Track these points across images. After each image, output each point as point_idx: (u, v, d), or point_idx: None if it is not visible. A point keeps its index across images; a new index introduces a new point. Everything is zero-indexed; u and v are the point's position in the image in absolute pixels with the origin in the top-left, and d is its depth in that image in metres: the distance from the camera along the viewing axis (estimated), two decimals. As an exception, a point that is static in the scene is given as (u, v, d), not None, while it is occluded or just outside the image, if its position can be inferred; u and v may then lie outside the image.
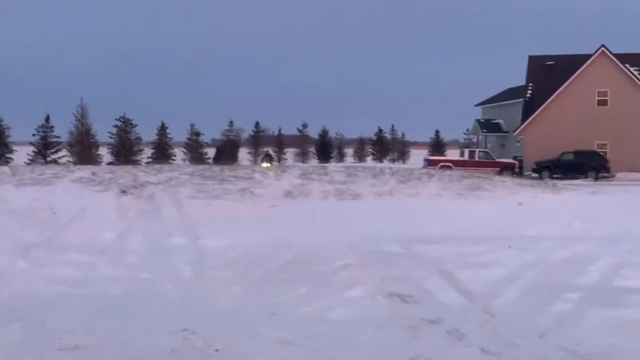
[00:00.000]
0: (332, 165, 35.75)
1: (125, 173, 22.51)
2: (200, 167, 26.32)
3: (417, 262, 13.33)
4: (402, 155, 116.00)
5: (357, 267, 12.69)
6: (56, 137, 79.30)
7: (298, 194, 20.57)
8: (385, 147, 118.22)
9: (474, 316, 9.71)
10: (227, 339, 8.27)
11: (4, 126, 77.18)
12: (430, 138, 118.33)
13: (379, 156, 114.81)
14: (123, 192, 19.89)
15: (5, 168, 23.08)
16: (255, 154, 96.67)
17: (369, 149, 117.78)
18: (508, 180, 25.14)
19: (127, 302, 10.56)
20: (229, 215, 18.22)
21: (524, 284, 11.60)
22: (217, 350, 7.84)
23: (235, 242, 15.04)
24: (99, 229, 16.05)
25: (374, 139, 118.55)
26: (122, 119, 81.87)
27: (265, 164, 39.14)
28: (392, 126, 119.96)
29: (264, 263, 13.14)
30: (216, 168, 24.83)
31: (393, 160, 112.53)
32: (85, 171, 22.77)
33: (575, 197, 22.42)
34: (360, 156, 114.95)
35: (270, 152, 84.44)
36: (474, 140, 79.45)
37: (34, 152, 76.86)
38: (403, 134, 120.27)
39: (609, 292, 11.01)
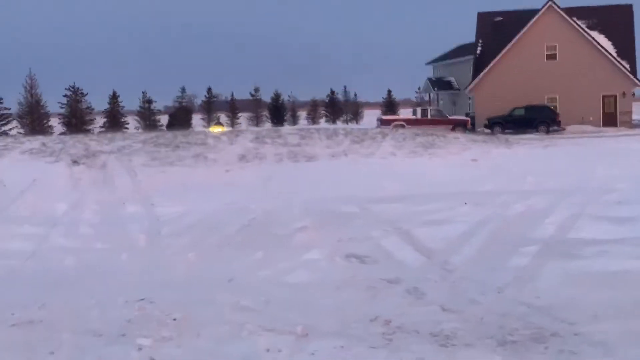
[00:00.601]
0: (286, 128, 35.53)
1: (76, 143, 22.12)
2: (153, 134, 25.97)
3: (374, 222, 13.30)
4: (355, 116, 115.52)
5: (313, 230, 12.65)
6: (6, 109, 77.58)
7: (252, 157, 20.43)
8: (338, 108, 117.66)
9: (433, 274, 9.69)
10: (184, 307, 8.13)
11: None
12: (383, 98, 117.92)
13: (332, 118, 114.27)
14: (75, 162, 19.58)
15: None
16: (208, 120, 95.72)
17: (322, 111, 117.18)
18: (461, 137, 25.21)
19: (81, 273, 10.37)
20: (184, 182, 18.07)
21: (481, 240, 11.63)
22: (174, 319, 7.69)
23: (190, 209, 14.89)
24: (51, 200, 15.79)
25: (327, 101, 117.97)
26: (72, 88, 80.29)
27: (214, 128, 38.80)
28: (345, 87, 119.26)
29: (220, 229, 13.02)
30: (169, 135, 24.55)
31: (346, 122, 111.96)
32: (35, 142, 22.33)
33: (527, 151, 22.58)
34: (313, 118, 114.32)
35: (221, 119, 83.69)
36: (426, 98, 79.57)
37: (-18, 124, 75.28)
38: (355, 95, 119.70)
39: (565, 244, 11.08)
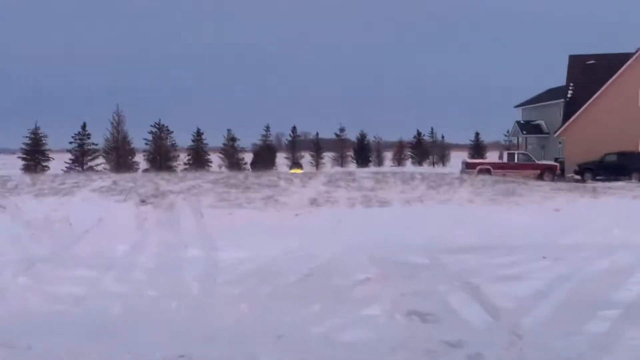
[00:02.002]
0: (361, 171, 34.85)
1: (146, 182, 21.93)
2: (224, 174, 25.69)
3: (442, 275, 12.48)
4: (442, 158, 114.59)
5: (376, 281, 11.91)
6: (93, 144, 79.60)
7: (324, 201, 19.80)
8: (424, 150, 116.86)
9: (500, 338, 8.81)
10: (223, 366, 7.51)
11: (40, 134, 77.67)
12: (470, 140, 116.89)
13: (418, 159, 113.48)
14: (142, 201, 19.31)
15: (25, 177, 22.63)
16: (292, 159, 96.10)
17: (408, 153, 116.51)
18: (544, 185, 24.06)
19: (125, 322, 9.84)
20: (251, 225, 17.54)
21: (557, 300, 10.68)
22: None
23: (252, 254, 14.33)
24: (113, 241, 15.47)
25: (413, 142, 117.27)
26: (157, 125, 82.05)
27: (294, 170, 38.53)
28: (432, 129, 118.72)
29: (279, 277, 12.38)
30: (240, 175, 24.18)
31: (432, 164, 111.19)
32: (106, 180, 22.24)
33: (615, 201, 21.30)
34: (399, 160, 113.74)
35: (305, 159, 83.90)
36: (515, 142, 77.96)
37: (71, 159, 77.12)
38: (443, 137, 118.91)
39: (649, 308, 10.06)
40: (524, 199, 20.49)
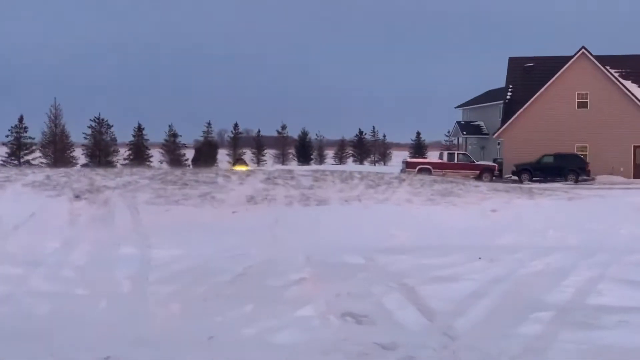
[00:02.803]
0: (299, 169, 34.69)
1: (81, 177, 21.41)
2: (161, 170, 25.29)
3: (378, 275, 12.39)
4: (383, 157, 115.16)
5: (311, 282, 11.78)
6: (30, 138, 78.02)
7: (261, 199, 19.61)
8: (366, 149, 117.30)
9: (433, 340, 8.73)
10: (149, 369, 7.28)
11: (-27, 127, 76.15)
12: (412, 140, 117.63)
13: (360, 158, 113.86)
14: (77, 197, 18.84)
15: (-47, 171, 21.94)
16: (234, 156, 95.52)
17: (350, 151, 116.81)
18: (482, 185, 24.18)
19: (51, 323, 9.54)
20: (187, 222, 17.29)
21: (492, 301, 10.66)
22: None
23: (187, 252, 14.12)
24: (43, 238, 15.08)
25: (355, 141, 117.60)
26: (96, 120, 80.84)
27: (238, 167, 38.19)
28: (373, 127, 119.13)
29: (212, 276, 12.16)
30: (178, 172, 23.78)
31: (374, 162, 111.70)
32: (39, 175, 21.63)
33: (551, 203, 21.50)
34: (340, 158, 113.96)
35: (246, 156, 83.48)
36: (455, 142, 78.68)
37: (7, 153, 75.56)
38: (384, 136, 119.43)
39: (582, 311, 10.06)
40: (461, 200, 20.55)
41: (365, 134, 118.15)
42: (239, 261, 13.31)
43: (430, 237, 16.10)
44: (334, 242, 15.22)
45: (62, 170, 23.97)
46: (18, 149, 76.21)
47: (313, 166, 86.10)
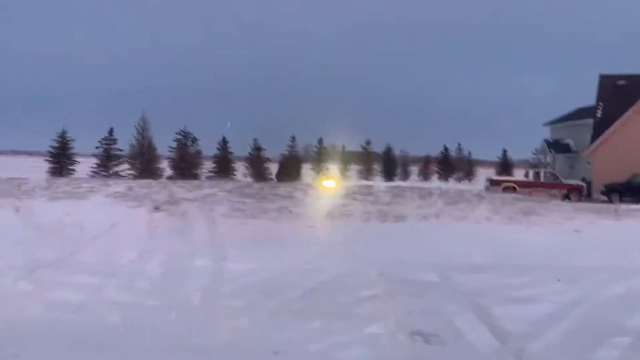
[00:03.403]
0: (379, 185, 34.49)
1: (162, 189, 21.76)
2: (240, 184, 25.46)
3: (452, 294, 12.10)
4: (469, 175, 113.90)
5: (383, 299, 11.59)
6: (119, 150, 79.86)
7: (339, 214, 19.48)
8: (451, 166, 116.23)
9: (504, 363, 8.46)
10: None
11: (67, 138, 78.14)
12: (498, 157, 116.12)
13: (445, 175, 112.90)
14: (156, 208, 19.09)
15: (41, 181, 22.53)
16: (318, 170, 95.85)
17: (435, 168, 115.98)
18: (565, 205, 23.57)
19: (120, 334, 9.61)
20: (263, 236, 17.27)
21: (568, 324, 10.29)
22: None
23: (260, 266, 14.06)
24: (121, 248, 15.29)
25: (440, 157, 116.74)
26: (182, 133, 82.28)
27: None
28: (459, 144, 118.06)
29: (284, 290, 12.09)
30: (256, 185, 23.91)
31: (459, 180, 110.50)
32: (121, 186, 22.07)
33: (638, 224, 20.77)
34: (425, 175, 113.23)
35: (329, 171, 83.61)
36: (543, 160, 77.18)
37: (96, 164, 77.46)
38: (469, 153, 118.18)
39: (664, 338, 9.63)
40: (543, 219, 20.01)
41: (451, 151, 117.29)
42: (312, 276, 13.20)
43: (508, 256, 15.68)
44: (408, 259, 14.96)
45: (143, 182, 24.39)
46: (107, 161, 78.09)
47: (397, 182, 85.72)
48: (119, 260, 14.23)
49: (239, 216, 18.93)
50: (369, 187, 24.73)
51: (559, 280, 13.43)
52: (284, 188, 22.73)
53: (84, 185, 21.81)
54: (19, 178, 23.42)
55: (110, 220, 17.57)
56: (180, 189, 21.94)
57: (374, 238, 17.19)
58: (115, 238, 16.29)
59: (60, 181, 23.17)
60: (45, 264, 13.39)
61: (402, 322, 10.20)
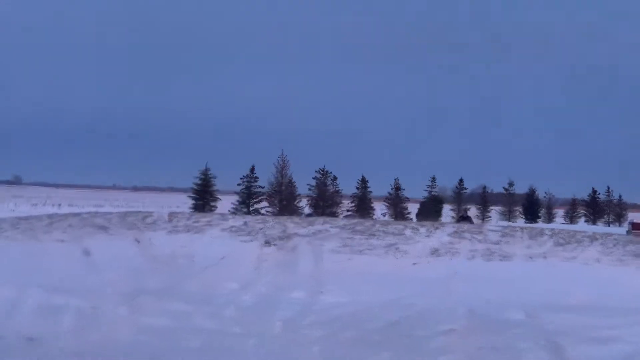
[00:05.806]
0: (490, 225, 34.11)
1: (276, 224, 22.50)
2: (353, 221, 25.89)
3: (532, 332, 12.06)
4: (618, 218, 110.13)
5: (459, 334, 11.70)
6: (260, 187, 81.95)
7: (445, 252, 19.61)
8: (600, 208, 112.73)
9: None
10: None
11: (210, 175, 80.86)
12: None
13: (592, 218, 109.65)
14: (267, 242, 19.83)
15: (164, 214, 23.77)
16: (457, 211, 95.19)
17: (582, 211, 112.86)
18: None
19: (196, 356, 10.24)
20: (366, 271, 17.63)
21: (643, 365, 10.15)
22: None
23: (353, 299, 14.44)
24: (226, 279, 16.01)
25: (587, 200, 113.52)
26: (321, 171, 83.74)
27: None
28: (608, 187, 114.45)
29: (365, 323, 12.45)
30: (368, 222, 24.32)
31: (608, 223, 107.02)
32: (238, 220, 23.00)
33: None
34: (571, 217, 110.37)
35: (469, 212, 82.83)
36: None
37: (237, 201, 79.72)
38: (620, 196, 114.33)
39: None
40: (656, 262, 19.41)
41: (599, 193, 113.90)
42: (398, 310, 13.46)
43: (610, 298, 15.35)
44: (505, 298, 14.94)
45: (260, 217, 25.24)
46: (248, 198, 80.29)
47: (540, 224, 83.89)
48: (220, 291, 14.94)
49: (347, 252, 19.37)
50: (479, 226, 24.64)
51: (649, 321, 13.10)
52: (394, 226, 23.05)
53: (202, 219, 22.83)
54: (145, 212, 24.75)
55: (222, 253, 18.39)
56: (294, 224, 22.62)
57: (475, 276, 17.20)
58: (223, 270, 17.04)
59: (182, 215, 24.31)
60: (150, 292, 14.22)
61: (471, 356, 10.35)
